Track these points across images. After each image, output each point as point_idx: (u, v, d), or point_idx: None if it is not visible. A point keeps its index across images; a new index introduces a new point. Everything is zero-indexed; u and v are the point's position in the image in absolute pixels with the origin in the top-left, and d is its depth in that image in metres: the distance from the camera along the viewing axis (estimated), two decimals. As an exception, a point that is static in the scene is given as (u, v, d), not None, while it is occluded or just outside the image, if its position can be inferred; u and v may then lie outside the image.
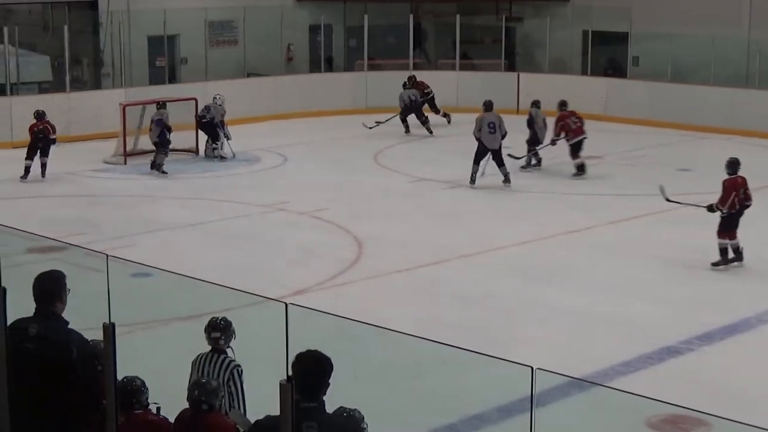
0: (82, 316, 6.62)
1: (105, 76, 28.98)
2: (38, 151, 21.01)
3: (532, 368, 4.69)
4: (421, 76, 28.74)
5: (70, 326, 6.60)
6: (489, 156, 20.13)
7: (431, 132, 26.51)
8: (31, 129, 21.30)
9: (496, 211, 18.78)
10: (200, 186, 20.84)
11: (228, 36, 31.01)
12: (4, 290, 6.33)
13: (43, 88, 27.19)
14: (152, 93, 24.69)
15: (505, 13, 32.23)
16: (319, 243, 16.50)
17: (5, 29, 25.76)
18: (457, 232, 17.27)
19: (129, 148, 23.33)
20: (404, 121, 26.71)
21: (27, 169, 20.98)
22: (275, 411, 5.25)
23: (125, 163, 22.79)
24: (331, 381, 5.49)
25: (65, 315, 6.63)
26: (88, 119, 25.61)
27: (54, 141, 21.37)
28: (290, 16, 31.31)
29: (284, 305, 5.10)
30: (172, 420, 6.85)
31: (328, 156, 23.92)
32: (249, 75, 29.97)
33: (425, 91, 27.43)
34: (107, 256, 5.96)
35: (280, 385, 5.10)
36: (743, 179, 15.11)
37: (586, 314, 13.08)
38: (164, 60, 29.05)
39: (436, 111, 27.53)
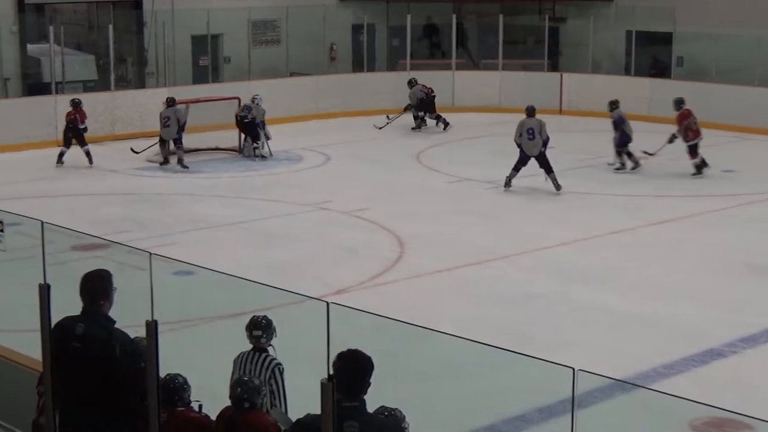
0: (125, 314, 6.67)
1: (149, 75, 29.15)
2: (72, 140, 22.02)
3: (573, 369, 4.67)
4: (464, 76, 28.72)
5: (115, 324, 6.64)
6: (544, 177, 19.83)
7: (448, 124, 26.68)
8: (66, 116, 22.40)
9: (538, 212, 18.70)
10: (243, 185, 20.90)
11: (271, 35, 31.09)
12: (48, 287, 6.38)
13: (88, 86, 27.38)
14: (196, 92, 24.83)
15: (549, 13, 32.11)
16: (360, 242, 16.51)
17: (51, 29, 26.00)
18: (499, 232, 17.22)
19: (172, 146, 23.44)
20: (417, 117, 26.93)
21: (60, 156, 22.08)
22: (316, 410, 5.26)
23: (168, 162, 22.90)
24: (372, 380, 5.50)
25: (111, 313, 6.67)
26: (132, 118, 25.79)
27: (84, 129, 21.91)
28: (333, 16, 31.36)
29: (325, 304, 5.11)
30: (213, 418, 6.88)
31: (370, 155, 23.93)
32: (292, 74, 30.04)
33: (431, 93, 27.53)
34: (150, 254, 5.99)
35: (321, 384, 5.10)
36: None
37: (628, 315, 13.00)
38: (207, 59, 29.19)
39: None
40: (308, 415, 5.70)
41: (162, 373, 6.41)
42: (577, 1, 32.57)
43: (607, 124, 21.93)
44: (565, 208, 19.02)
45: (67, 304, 6.65)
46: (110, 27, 26.78)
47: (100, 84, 27.45)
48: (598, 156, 21.98)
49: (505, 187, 19.92)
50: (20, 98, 25.92)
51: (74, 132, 22.20)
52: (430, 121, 27.02)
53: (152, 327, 5.91)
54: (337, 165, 22.89)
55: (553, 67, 31.67)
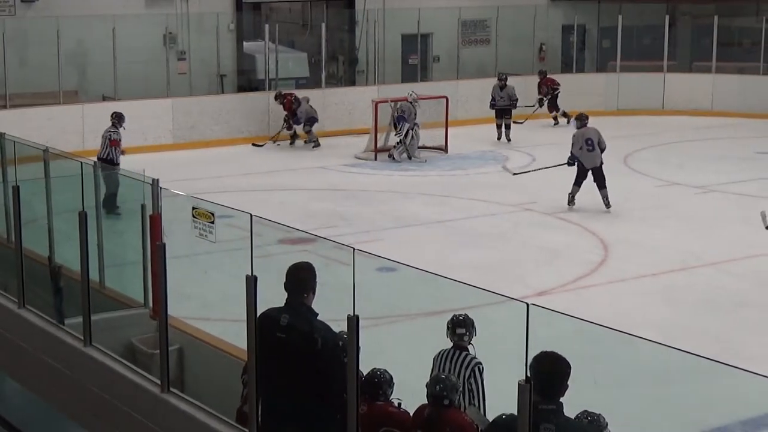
0: (328, 307, 6.78)
1: (359, 73, 29.58)
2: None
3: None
4: (675, 78, 28.11)
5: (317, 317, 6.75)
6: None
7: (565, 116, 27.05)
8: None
9: (748, 218, 18.15)
10: (449, 183, 20.99)
11: (481, 35, 31.13)
12: (255, 278, 6.54)
13: (299, 83, 27.96)
14: (404, 90, 25.05)
15: (766, 14, 31.13)
16: (564, 244, 16.38)
17: (267, 27, 26.67)
18: (707, 238, 16.81)
19: (380, 144, 23.73)
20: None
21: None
22: (512, 410, 5.25)
23: (376, 159, 23.21)
24: (569, 384, 5.46)
25: (314, 306, 6.80)
26: (341, 115, 26.23)
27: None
28: (543, 16, 31.21)
29: (526, 305, 5.09)
30: (411, 414, 6.94)
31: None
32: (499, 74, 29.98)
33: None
34: (354, 249, 6.08)
35: (519, 385, 5.09)
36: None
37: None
38: (417, 58, 29.42)
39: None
40: (505, 416, 5.69)
41: (362, 368, 6.50)
42: (797, 1, 31.52)
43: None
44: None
45: (273, 295, 6.81)
46: (323, 25, 27.31)
47: (312, 81, 28.02)
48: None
49: (569, 204, 18.60)
50: (235, 94, 26.67)
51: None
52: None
53: (354, 321, 6.00)
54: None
55: (769, 70, 30.72)
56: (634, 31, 30.96)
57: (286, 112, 24.69)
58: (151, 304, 9.17)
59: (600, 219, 17.74)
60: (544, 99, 27.63)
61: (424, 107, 24.00)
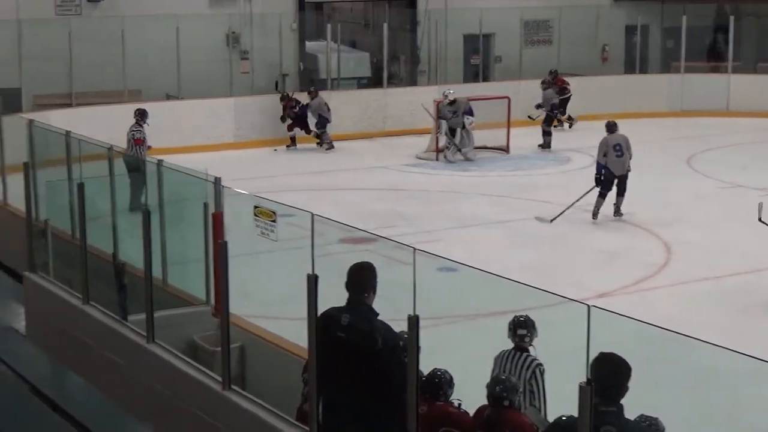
0: (388, 307, 6.80)
1: (421, 73, 29.57)
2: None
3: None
4: (739, 79, 27.82)
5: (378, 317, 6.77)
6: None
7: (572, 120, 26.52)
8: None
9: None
10: (510, 184, 20.94)
11: (543, 35, 30.99)
12: (316, 278, 6.57)
13: (361, 83, 28.04)
14: (466, 90, 25.02)
15: (833, 14, 30.78)
16: (625, 246, 16.28)
17: (329, 26, 26.77)
18: (771, 240, 16.63)
19: (441, 144, 23.72)
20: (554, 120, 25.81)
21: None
22: (572, 412, 5.24)
23: (437, 159, 23.20)
24: (629, 386, 5.44)
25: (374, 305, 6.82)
26: (402, 115, 26.24)
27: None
28: (606, 16, 31.01)
29: (586, 307, 5.08)
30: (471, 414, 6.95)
31: (638, 158, 23.33)
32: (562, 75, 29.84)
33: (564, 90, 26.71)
34: (414, 249, 6.09)
35: (580, 387, 5.08)
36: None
37: None
38: (479, 58, 29.36)
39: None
40: (565, 417, 5.68)
41: (422, 368, 6.51)
42: None
43: None
44: None
45: (334, 295, 6.84)
46: (385, 25, 27.34)
47: (373, 81, 28.07)
48: None
49: (593, 218, 17.65)
50: (297, 93, 26.75)
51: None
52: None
53: (414, 321, 6.02)
54: (604, 167, 22.60)
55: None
56: (697, 31, 30.67)
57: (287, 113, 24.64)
58: (213, 302, 9.25)
59: (661, 221, 17.60)
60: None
61: (485, 107, 23.92)
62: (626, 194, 17.88)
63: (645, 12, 31.07)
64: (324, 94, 25.38)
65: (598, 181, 17.71)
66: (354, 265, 6.84)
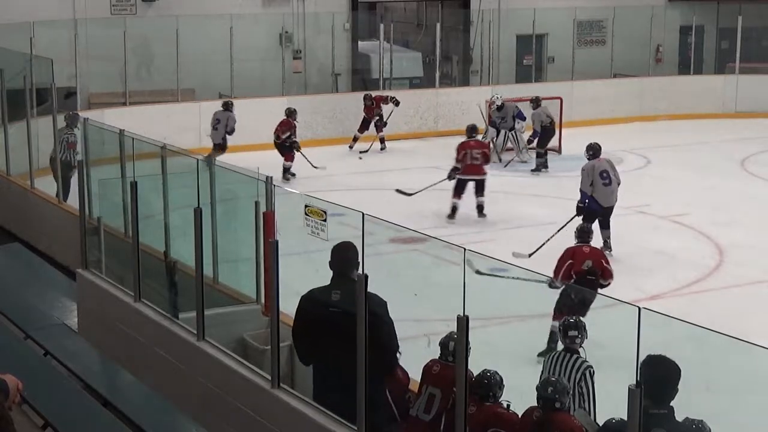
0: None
1: (473, 73, 29.52)
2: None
3: None
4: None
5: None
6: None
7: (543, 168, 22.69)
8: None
9: None
10: (564, 185, 20.80)
11: (596, 36, 30.83)
12: (366, 277, 6.59)
13: (413, 83, 28.04)
14: (518, 91, 24.95)
15: None
16: (678, 248, 16.16)
17: (382, 26, 26.81)
18: (827, 244, 16.46)
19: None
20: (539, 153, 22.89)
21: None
22: (622, 414, 5.21)
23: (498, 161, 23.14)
24: (679, 388, 5.40)
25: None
26: (454, 115, 26.20)
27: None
28: (660, 16, 30.78)
29: (637, 309, 5.05)
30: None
31: (692, 160, 23.37)
32: (615, 75, 29.68)
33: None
34: (464, 249, 6.08)
35: (629, 389, 5.05)
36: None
37: None
38: (531, 58, 29.26)
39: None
40: (615, 420, 5.66)
41: (472, 368, 6.50)
42: None
43: None
44: None
45: (384, 294, 6.85)
46: (438, 25, 27.35)
47: (425, 81, 28.05)
48: None
49: (609, 251, 15.10)
50: (349, 93, 26.82)
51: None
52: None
53: (464, 322, 6.01)
54: (657, 168, 22.49)
55: None
56: (753, 32, 30.36)
57: (368, 115, 24.41)
58: (263, 301, 9.28)
59: (715, 223, 17.46)
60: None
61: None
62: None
63: (700, 12, 30.80)
64: (376, 94, 25.44)
65: (580, 210, 15.70)
66: (339, 244, 7.08)
